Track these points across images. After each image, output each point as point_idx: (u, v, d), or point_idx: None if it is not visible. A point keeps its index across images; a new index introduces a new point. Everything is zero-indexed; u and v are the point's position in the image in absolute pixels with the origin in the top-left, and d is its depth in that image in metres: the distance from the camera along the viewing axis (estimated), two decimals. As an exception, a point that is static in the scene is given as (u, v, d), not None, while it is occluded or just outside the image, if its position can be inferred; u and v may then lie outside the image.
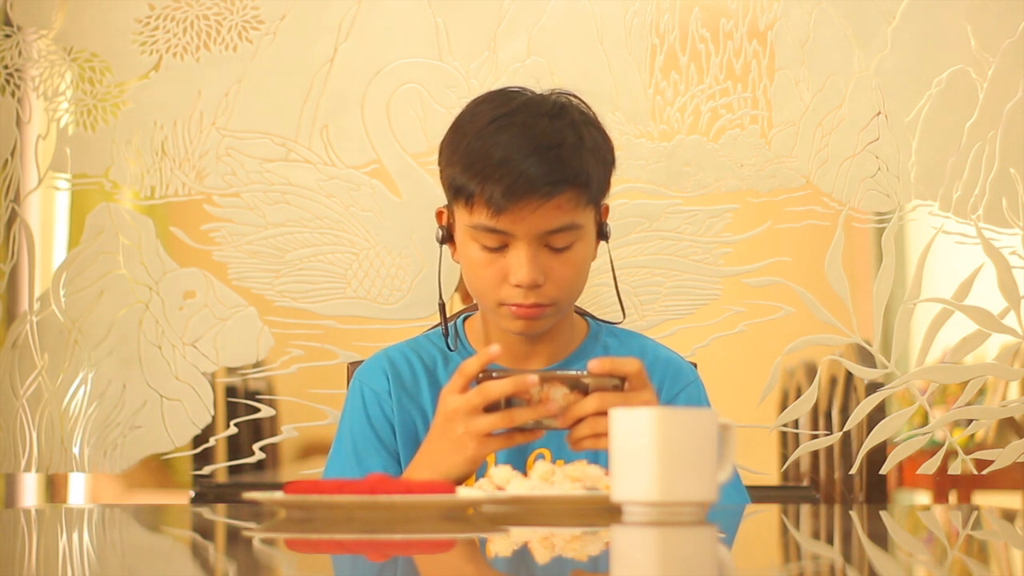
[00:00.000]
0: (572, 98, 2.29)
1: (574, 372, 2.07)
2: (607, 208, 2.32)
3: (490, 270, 2.23)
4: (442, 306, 2.38)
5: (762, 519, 2.11)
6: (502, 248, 2.22)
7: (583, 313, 2.44)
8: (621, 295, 2.43)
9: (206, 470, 2.95)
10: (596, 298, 2.78)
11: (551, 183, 2.19)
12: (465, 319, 2.39)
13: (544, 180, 2.18)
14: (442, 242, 2.32)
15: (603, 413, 1.98)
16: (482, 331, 2.35)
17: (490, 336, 2.34)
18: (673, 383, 2.33)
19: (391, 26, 2.93)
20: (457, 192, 2.24)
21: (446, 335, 2.35)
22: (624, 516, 1.81)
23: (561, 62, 2.91)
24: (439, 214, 2.33)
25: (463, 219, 2.25)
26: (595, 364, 2.05)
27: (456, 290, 2.83)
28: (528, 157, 2.19)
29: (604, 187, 2.27)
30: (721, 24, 2.93)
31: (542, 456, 2.27)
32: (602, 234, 2.31)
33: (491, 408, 2.05)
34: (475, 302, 2.37)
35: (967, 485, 4.42)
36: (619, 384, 2.05)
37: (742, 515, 2.12)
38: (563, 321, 2.33)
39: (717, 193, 2.92)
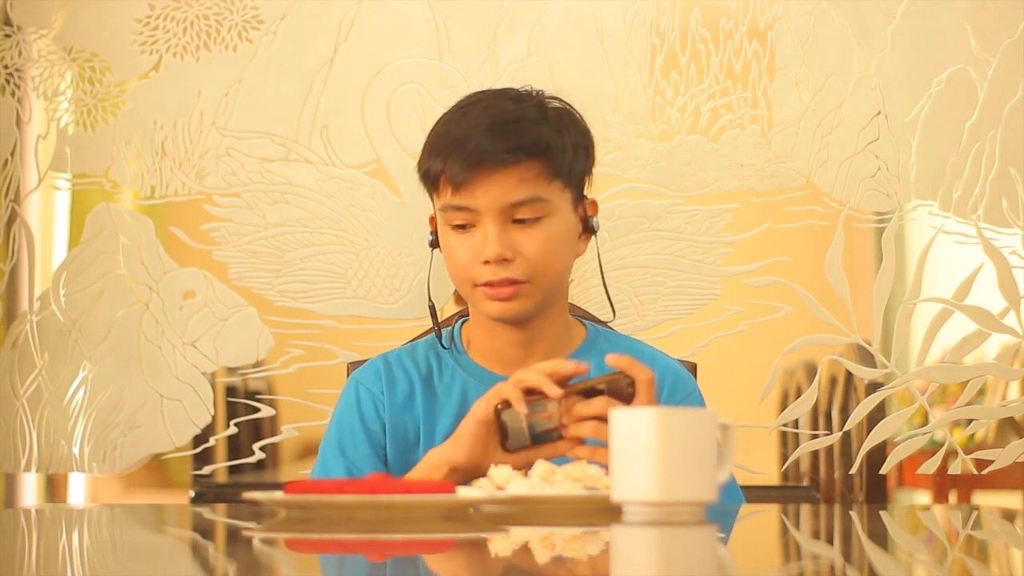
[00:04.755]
0: (554, 98, 2.33)
1: (590, 380, 2.08)
2: (594, 204, 2.33)
3: (462, 251, 2.25)
4: (432, 308, 2.39)
5: (762, 519, 2.11)
6: (471, 227, 2.24)
7: (582, 317, 2.43)
8: (610, 294, 2.43)
9: (206, 470, 2.95)
10: (587, 294, 2.78)
11: (505, 151, 2.23)
12: (463, 323, 2.39)
13: (499, 149, 2.23)
14: (433, 246, 2.34)
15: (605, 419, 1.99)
16: (472, 334, 2.35)
17: (478, 339, 2.34)
18: (672, 392, 2.32)
19: (391, 26, 2.93)
20: (425, 177, 2.30)
21: (439, 336, 2.36)
22: (624, 516, 1.81)
23: (561, 62, 2.92)
24: (431, 220, 2.34)
25: (436, 204, 2.29)
26: (613, 359, 2.07)
27: (453, 295, 2.82)
28: (485, 132, 2.25)
29: (575, 165, 2.29)
30: (721, 24, 2.93)
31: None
32: (588, 227, 2.32)
33: (515, 428, 2.07)
34: (465, 300, 2.36)
35: (967, 485, 4.42)
36: (631, 383, 2.07)
37: (741, 515, 2.12)
38: (555, 321, 2.33)
39: (717, 193, 2.92)
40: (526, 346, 2.31)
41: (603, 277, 2.42)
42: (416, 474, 2.17)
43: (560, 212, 2.27)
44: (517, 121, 2.26)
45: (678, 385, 2.33)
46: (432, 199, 2.31)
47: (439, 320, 2.38)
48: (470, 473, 2.12)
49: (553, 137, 2.26)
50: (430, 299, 2.39)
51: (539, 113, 2.28)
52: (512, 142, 2.24)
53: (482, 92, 2.34)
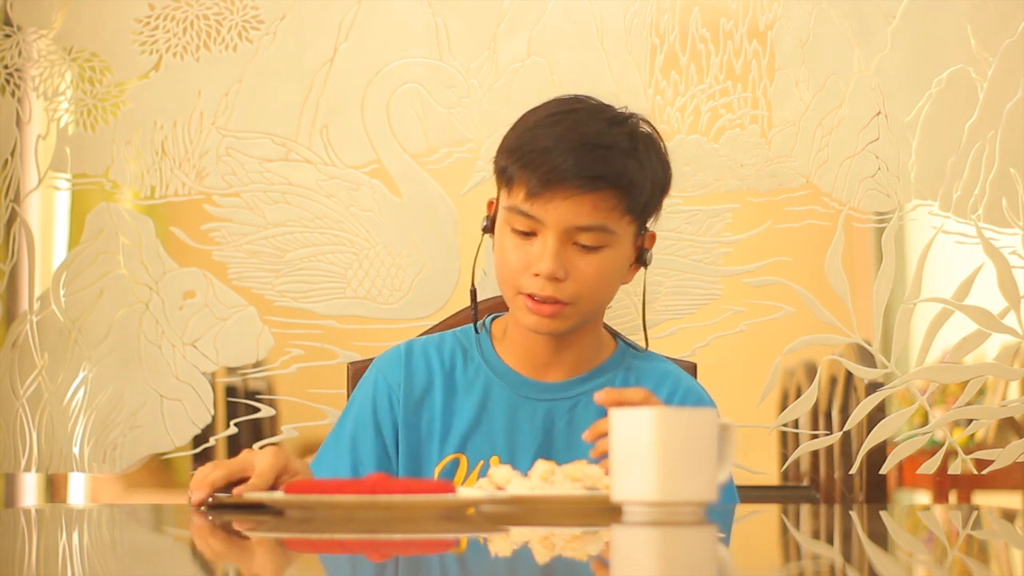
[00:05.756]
0: (644, 121, 2.29)
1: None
2: (653, 236, 2.32)
3: (516, 255, 2.24)
4: (473, 292, 2.38)
5: (762, 519, 2.11)
6: (531, 235, 2.23)
7: (613, 332, 2.43)
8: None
9: (206, 470, 2.95)
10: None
11: (586, 177, 2.20)
12: (495, 318, 2.39)
13: (580, 174, 2.20)
14: (485, 231, 2.32)
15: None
16: (505, 332, 2.35)
17: (511, 336, 2.33)
18: None
19: (391, 26, 2.93)
20: (501, 173, 2.27)
21: (475, 321, 2.36)
22: (624, 516, 1.81)
23: (561, 62, 2.92)
24: (489, 204, 2.34)
25: (504, 201, 2.27)
26: (601, 396, 2.06)
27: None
28: (571, 151, 2.21)
29: (649, 204, 2.26)
30: (721, 24, 2.93)
31: None
32: (641, 259, 2.31)
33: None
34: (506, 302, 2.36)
35: (967, 485, 4.42)
36: None
37: (741, 515, 2.12)
38: (589, 333, 2.32)
39: (717, 193, 2.92)
40: (555, 352, 2.32)
41: (644, 310, 2.41)
42: None
43: (620, 244, 2.25)
44: (608, 148, 2.22)
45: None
46: (499, 191, 2.29)
47: (478, 305, 2.37)
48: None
49: (638, 173, 2.23)
50: (473, 284, 2.39)
51: (630, 143, 2.24)
52: (597, 170, 2.21)
53: (579, 101, 2.29)
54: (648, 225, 2.30)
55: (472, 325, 2.38)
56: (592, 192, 2.20)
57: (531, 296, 2.23)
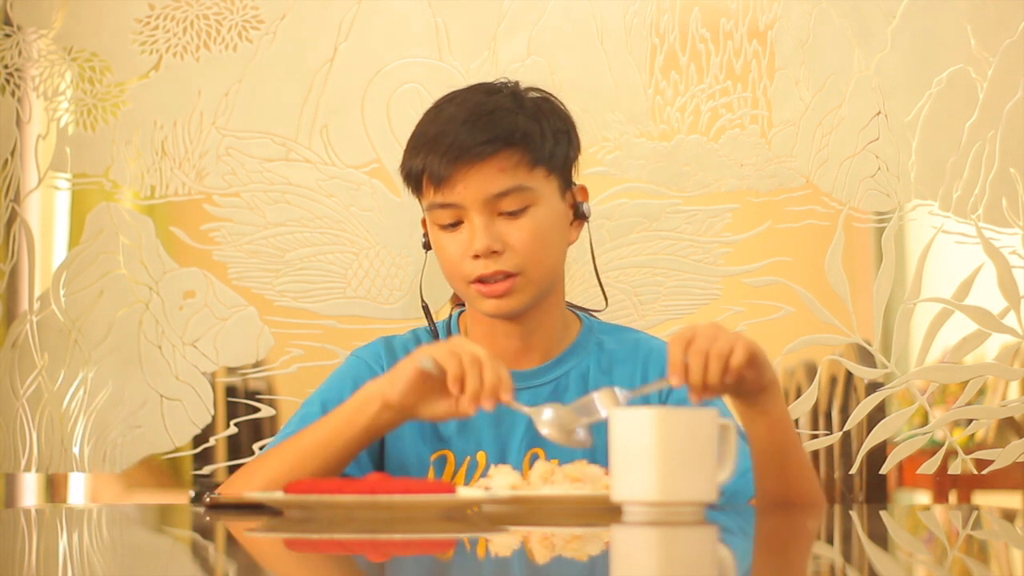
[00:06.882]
0: (530, 87, 2.34)
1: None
2: (583, 189, 2.34)
3: (452, 247, 2.26)
4: (425, 307, 2.40)
5: (762, 519, 2.11)
6: (458, 224, 2.25)
7: (576, 310, 2.44)
8: (605, 291, 2.45)
9: (206, 470, 2.95)
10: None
11: (481, 144, 2.24)
12: (460, 313, 2.40)
13: (476, 142, 2.24)
14: (427, 248, 2.35)
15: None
16: (468, 330, 2.37)
17: (475, 331, 2.35)
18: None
19: (391, 26, 2.93)
20: (407, 179, 2.31)
21: (435, 334, 2.37)
22: (624, 516, 1.81)
23: (561, 62, 2.92)
24: (423, 222, 2.35)
25: (423, 206, 2.30)
26: (676, 381, 2.04)
27: (452, 298, 2.82)
28: (461, 126, 2.26)
29: (556, 151, 2.29)
30: (721, 24, 2.93)
31: (536, 456, 2.28)
32: (580, 214, 2.32)
33: None
34: (462, 299, 2.37)
35: (967, 485, 4.41)
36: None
37: (743, 515, 2.12)
38: (552, 315, 2.34)
39: (717, 193, 2.92)
40: (523, 338, 2.32)
41: (595, 264, 2.43)
42: (349, 404, 2.14)
43: (546, 200, 2.27)
44: (492, 112, 2.27)
45: None
46: (419, 201, 2.31)
47: (433, 319, 2.39)
48: (402, 413, 2.10)
49: (530, 125, 2.27)
50: (423, 299, 2.41)
51: (514, 103, 2.29)
52: (488, 133, 2.25)
53: (457, 90, 2.35)
54: (573, 179, 2.33)
55: (443, 322, 2.40)
56: (492, 156, 2.24)
57: (480, 281, 2.25)
